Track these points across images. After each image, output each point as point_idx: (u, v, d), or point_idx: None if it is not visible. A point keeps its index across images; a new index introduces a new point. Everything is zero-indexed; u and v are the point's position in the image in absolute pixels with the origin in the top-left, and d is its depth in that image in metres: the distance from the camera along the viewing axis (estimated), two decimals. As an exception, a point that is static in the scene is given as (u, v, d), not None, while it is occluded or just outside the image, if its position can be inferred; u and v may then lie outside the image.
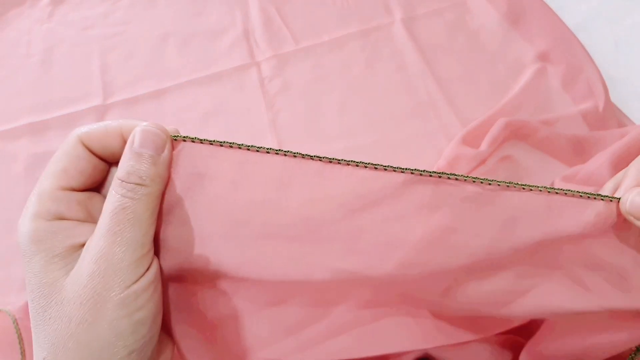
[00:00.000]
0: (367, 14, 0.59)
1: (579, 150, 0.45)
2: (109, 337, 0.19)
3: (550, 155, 0.46)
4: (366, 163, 0.23)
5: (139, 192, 0.20)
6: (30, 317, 0.20)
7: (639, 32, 0.54)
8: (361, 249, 0.24)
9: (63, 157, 0.21)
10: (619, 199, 0.24)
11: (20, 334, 0.36)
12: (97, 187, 0.23)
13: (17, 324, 0.36)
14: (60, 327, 0.19)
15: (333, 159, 0.23)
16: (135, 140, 0.20)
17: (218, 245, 0.23)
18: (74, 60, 0.59)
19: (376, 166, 0.23)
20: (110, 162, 0.23)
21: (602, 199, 0.24)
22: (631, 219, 0.23)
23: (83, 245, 0.20)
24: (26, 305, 0.38)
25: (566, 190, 0.24)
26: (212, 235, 0.23)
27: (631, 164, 0.26)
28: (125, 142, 0.21)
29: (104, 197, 0.22)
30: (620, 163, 0.41)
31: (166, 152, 0.21)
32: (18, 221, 0.21)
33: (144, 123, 0.21)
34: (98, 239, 0.19)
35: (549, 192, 0.23)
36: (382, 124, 0.50)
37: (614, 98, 0.49)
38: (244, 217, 0.23)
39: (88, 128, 0.21)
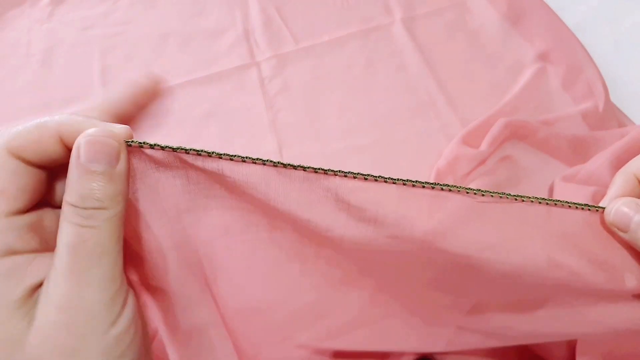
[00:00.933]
0: (367, 13, 0.59)
1: (579, 150, 0.45)
2: None
3: (550, 155, 0.46)
4: (355, 173, 0.21)
5: (99, 217, 0.16)
6: None
7: (639, 32, 0.54)
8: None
9: None
10: (604, 208, 0.24)
11: None
12: (44, 201, 0.18)
13: None
14: None
15: (319, 169, 0.21)
16: (81, 154, 0.16)
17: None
18: (74, 60, 0.59)
19: (366, 177, 0.21)
20: (51, 169, 0.18)
21: (588, 209, 0.24)
22: (615, 229, 0.23)
23: (40, 284, 0.16)
24: None
25: (555, 200, 0.24)
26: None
27: (617, 174, 0.26)
28: (65, 145, 0.17)
29: (57, 210, 0.18)
30: (620, 163, 0.41)
31: (122, 162, 0.17)
32: None
33: (89, 129, 0.17)
34: (59, 281, 0.16)
35: (539, 202, 0.24)
36: (382, 124, 0.50)
37: (614, 98, 0.49)
38: (231, 221, 0.23)
39: (15, 134, 0.17)
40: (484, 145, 0.45)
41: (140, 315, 0.18)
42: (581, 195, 0.39)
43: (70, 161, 0.16)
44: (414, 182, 0.22)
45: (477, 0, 0.59)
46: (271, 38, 0.58)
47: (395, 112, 0.51)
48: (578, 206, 0.24)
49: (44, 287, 0.16)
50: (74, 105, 0.54)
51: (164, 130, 0.52)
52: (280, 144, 0.50)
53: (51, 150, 0.17)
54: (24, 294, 0.16)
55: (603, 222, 0.24)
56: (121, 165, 0.17)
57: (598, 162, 0.41)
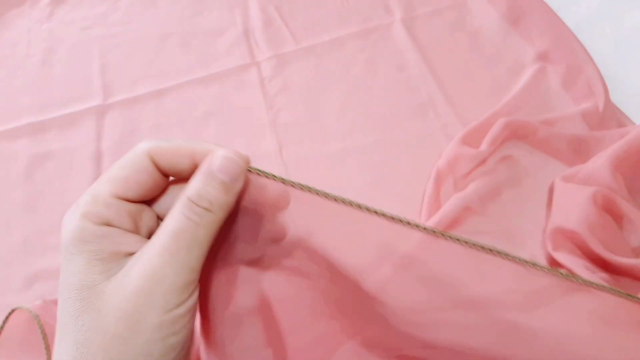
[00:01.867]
0: (367, 13, 0.59)
1: (579, 150, 0.45)
2: (138, 356, 0.18)
3: (550, 155, 0.46)
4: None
5: (204, 217, 0.19)
6: (58, 318, 0.19)
7: (639, 32, 0.54)
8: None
9: (127, 166, 0.20)
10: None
11: (44, 330, 0.36)
12: (149, 201, 0.22)
13: (39, 320, 0.36)
14: (92, 338, 0.18)
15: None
16: (214, 163, 0.20)
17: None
18: (74, 60, 0.59)
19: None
20: (170, 178, 0.22)
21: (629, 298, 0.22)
22: None
23: (126, 254, 0.20)
24: (44, 305, 0.38)
25: (566, 274, 0.22)
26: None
27: None
28: (194, 164, 0.21)
29: (154, 212, 0.22)
30: (620, 163, 0.41)
31: (239, 182, 0.20)
32: (63, 218, 0.20)
33: (223, 149, 0.20)
34: (152, 256, 0.19)
35: (553, 274, 0.22)
36: (382, 124, 0.50)
37: (614, 98, 0.49)
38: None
39: (158, 143, 0.21)
40: (484, 145, 0.45)
41: (195, 313, 0.21)
42: (581, 195, 0.39)
43: (201, 166, 0.20)
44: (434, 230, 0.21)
45: (477, 1, 0.59)
46: (271, 38, 0.58)
47: (395, 112, 0.51)
48: (613, 292, 0.22)
49: (134, 259, 0.19)
50: (74, 105, 0.55)
51: (164, 130, 0.52)
52: (280, 144, 0.50)
53: (182, 163, 0.21)
54: (108, 255, 0.19)
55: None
56: (238, 184, 0.20)
57: (598, 162, 0.41)
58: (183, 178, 0.21)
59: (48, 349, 0.35)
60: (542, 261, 0.40)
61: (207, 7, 0.63)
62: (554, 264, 0.39)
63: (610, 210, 0.39)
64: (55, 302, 0.38)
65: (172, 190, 0.22)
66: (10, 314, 0.36)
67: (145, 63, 0.58)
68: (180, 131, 0.52)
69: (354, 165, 0.47)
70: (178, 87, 0.55)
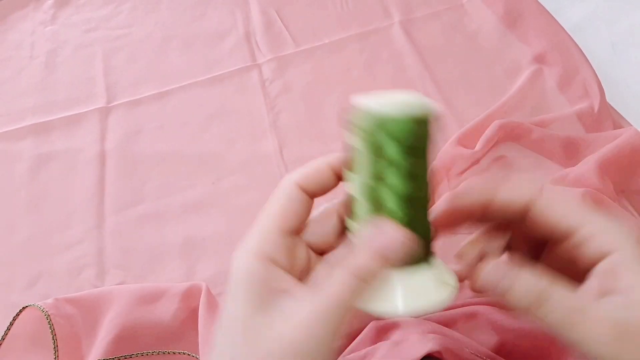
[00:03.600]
0: (366, 16, 0.60)
1: (572, 152, 0.46)
2: None
3: (544, 155, 0.46)
4: None
5: (362, 288, 0.19)
6: (216, 341, 0.20)
7: (635, 34, 0.55)
8: None
9: (283, 201, 0.21)
10: None
11: (54, 329, 0.36)
12: (299, 231, 0.23)
13: (50, 319, 0.36)
14: None
15: None
16: (381, 241, 0.20)
17: None
18: (78, 62, 0.60)
19: None
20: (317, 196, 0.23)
21: None
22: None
23: (281, 291, 0.20)
24: (56, 303, 0.37)
25: None
26: None
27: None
28: (337, 176, 0.22)
29: (304, 243, 0.22)
30: (609, 166, 0.42)
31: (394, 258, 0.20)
32: (234, 253, 0.21)
33: (389, 225, 0.20)
34: (309, 319, 0.19)
35: None
36: (381, 125, 0.51)
37: (610, 99, 0.49)
38: None
39: (301, 172, 0.22)
40: (478, 146, 0.45)
41: None
42: (570, 196, 0.40)
43: (368, 240, 0.20)
44: None
45: (475, 3, 0.59)
46: (272, 40, 0.59)
47: (394, 114, 0.51)
48: None
49: (290, 300, 0.20)
50: (77, 106, 0.55)
51: (167, 132, 0.53)
52: (280, 145, 0.50)
53: (326, 179, 0.22)
54: (269, 294, 0.20)
55: None
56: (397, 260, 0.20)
57: (587, 165, 0.42)
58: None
59: (56, 349, 0.35)
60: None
61: (208, 10, 0.63)
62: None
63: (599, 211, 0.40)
64: (67, 300, 0.38)
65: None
66: (20, 311, 0.36)
67: (148, 65, 0.58)
68: (183, 133, 0.52)
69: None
70: (180, 89, 0.56)
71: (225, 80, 0.56)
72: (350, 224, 0.22)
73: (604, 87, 0.49)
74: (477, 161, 0.45)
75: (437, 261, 0.21)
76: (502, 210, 0.22)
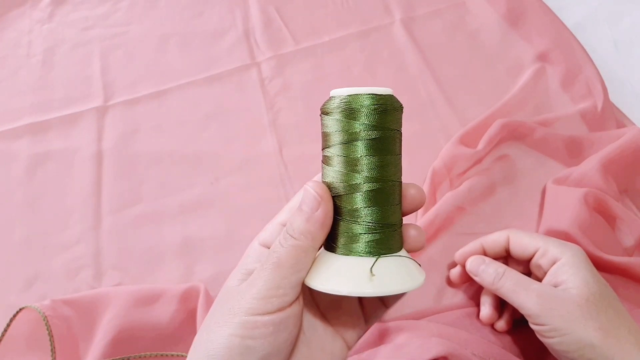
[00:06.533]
0: (367, 14, 0.60)
1: (576, 151, 0.45)
2: (221, 347, 0.21)
3: (547, 155, 0.46)
4: None
5: (287, 242, 0.22)
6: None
7: (638, 32, 0.55)
8: None
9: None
10: None
11: (51, 331, 0.36)
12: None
13: (47, 321, 0.36)
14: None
15: None
16: (303, 201, 0.23)
17: None
18: (75, 60, 0.59)
19: None
20: None
21: None
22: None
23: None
24: (53, 304, 0.37)
25: None
26: None
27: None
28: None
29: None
30: (611, 165, 0.41)
31: (319, 212, 0.23)
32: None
33: (310, 183, 0.23)
34: (256, 263, 0.24)
35: None
36: (382, 124, 0.50)
37: (613, 98, 0.49)
38: None
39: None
40: (480, 145, 0.45)
41: (281, 334, 0.23)
42: (573, 196, 0.40)
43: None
44: None
45: (476, 1, 0.59)
46: (271, 38, 0.58)
47: (394, 112, 0.51)
48: None
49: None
50: (74, 105, 0.55)
51: (165, 131, 0.52)
52: (280, 144, 0.50)
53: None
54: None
55: None
56: (318, 213, 0.23)
57: (590, 165, 0.42)
58: None
59: (53, 350, 0.35)
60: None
61: (207, 8, 0.63)
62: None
63: (601, 211, 0.39)
64: (64, 301, 0.38)
65: None
66: (17, 313, 0.36)
67: (146, 64, 0.58)
68: (181, 132, 0.52)
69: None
70: (179, 88, 0.55)
71: (224, 79, 0.56)
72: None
73: (606, 86, 0.48)
74: (479, 160, 0.45)
75: (404, 252, 0.23)
76: (493, 251, 0.36)
